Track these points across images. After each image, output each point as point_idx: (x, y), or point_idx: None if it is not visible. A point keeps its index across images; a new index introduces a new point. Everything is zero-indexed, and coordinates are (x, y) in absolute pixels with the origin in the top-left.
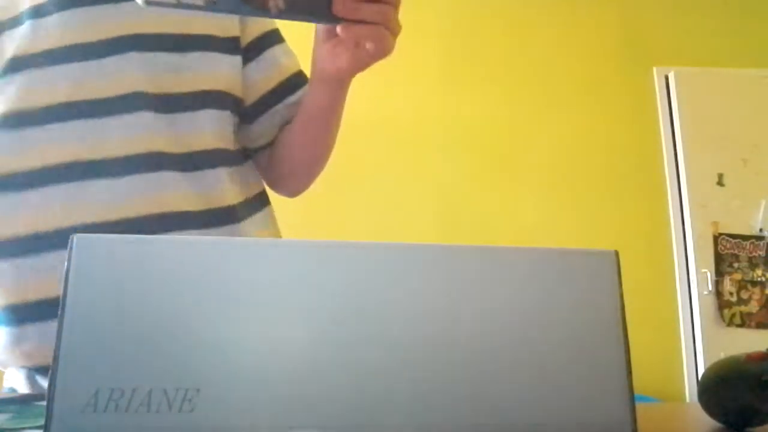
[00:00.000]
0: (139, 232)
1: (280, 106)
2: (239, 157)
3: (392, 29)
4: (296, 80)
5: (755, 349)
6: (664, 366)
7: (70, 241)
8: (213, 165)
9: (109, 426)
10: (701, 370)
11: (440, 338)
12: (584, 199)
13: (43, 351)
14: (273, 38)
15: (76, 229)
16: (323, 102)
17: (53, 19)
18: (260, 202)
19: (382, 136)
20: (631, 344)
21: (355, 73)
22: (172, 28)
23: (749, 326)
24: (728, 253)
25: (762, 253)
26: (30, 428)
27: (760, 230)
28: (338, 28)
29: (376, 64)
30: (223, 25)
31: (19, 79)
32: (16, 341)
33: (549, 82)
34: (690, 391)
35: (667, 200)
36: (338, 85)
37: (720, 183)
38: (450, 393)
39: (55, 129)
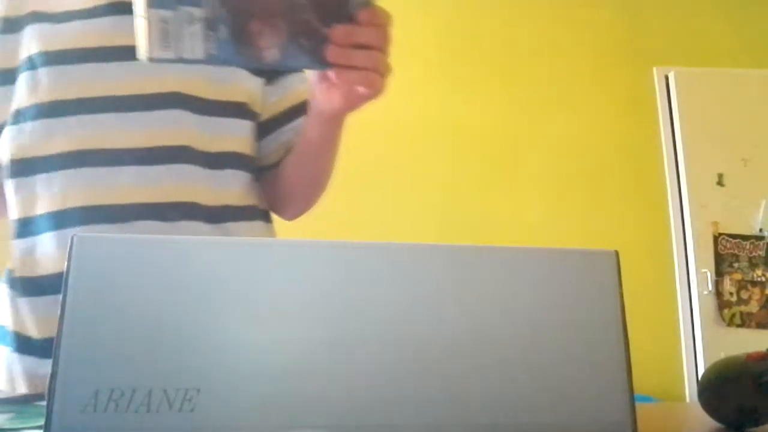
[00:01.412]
0: (156, 218)
1: (286, 128)
2: (256, 167)
3: (382, 73)
4: (306, 107)
5: (755, 349)
6: (664, 366)
7: (69, 241)
8: (235, 167)
9: (109, 426)
10: (701, 370)
11: (440, 338)
12: (584, 199)
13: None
14: None
15: (100, 208)
16: (318, 135)
17: (100, 22)
18: (268, 214)
19: (382, 135)
20: (631, 344)
21: (349, 112)
22: None
23: (749, 326)
24: (728, 253)
25: (762, 253)
26: (30, 428)
27: (760, 230)
28: (331, 73)
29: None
30: None
31: (61, 71)
32: (33, 308)
33: (549, 82)
34: (690, 391)
35: (667, 200)
36: (333, 122)
37: (720, 183)
38: (450, 392)
39: (94, 117)
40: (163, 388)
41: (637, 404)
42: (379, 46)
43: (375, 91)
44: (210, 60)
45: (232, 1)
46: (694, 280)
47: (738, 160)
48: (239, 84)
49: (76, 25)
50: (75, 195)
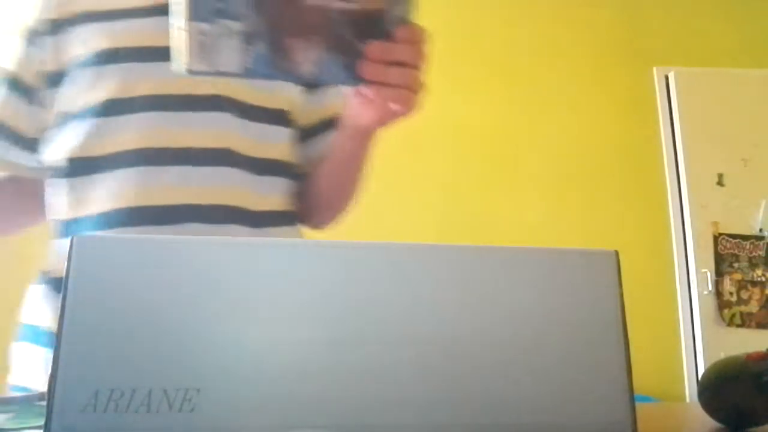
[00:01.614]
0: (202, 220)
1: (319, 139)
2: (296, 174)
3: (415, 90)
4: (339, 121)
5: (755, 349)
6: (664, 366)
7: (69, 241)
8: (277, 173)
9: (109, 426)
10: (701, 370)
11: (440, 338)
12: (584, 199)
13: None
14: None
15: (147, 209)
16: (348, 150)
17: (149, 22)
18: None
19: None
20: (631, 344)
21: (380, 128)
22: None
23: (749, 326)
24: (728, 253)
25: (762, 253)
26: (30, 428)
27: (760, 230)
28: (365, 89)
29: None
30: None
31: (113, 70)
32: None
33: (549, 81)
34: (690, 391)
35: (667, 200)
36: (364, 137)
37: (720, 183)
38: (450, 393)
39: (144, 117)
40: (163, 388)
41: (637, 404)
42: (413, 63)
43: (407, 108)
44: (246, 73)
45: (270, 16)
46: (694, 280)
47: (738, 160)
48: (281, 91)
49: (127, 24)
50: (124, 195)
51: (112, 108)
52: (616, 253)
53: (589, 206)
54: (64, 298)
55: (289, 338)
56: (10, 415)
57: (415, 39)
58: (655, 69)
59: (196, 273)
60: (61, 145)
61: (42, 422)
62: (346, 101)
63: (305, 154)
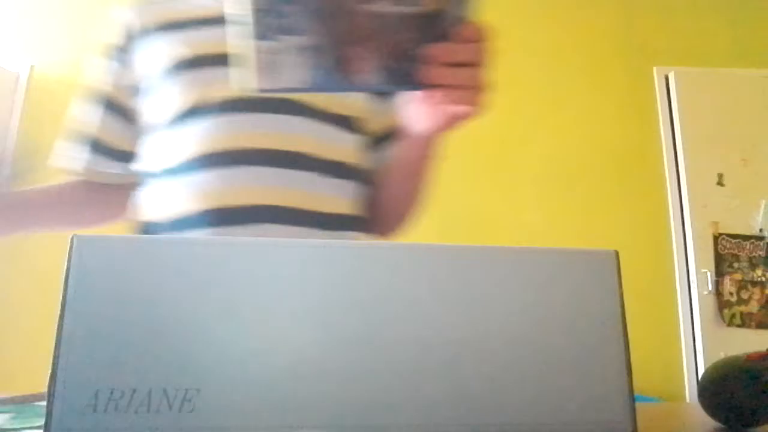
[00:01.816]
0: (277, 221)
1: (385, 146)
2: (365, 180)
3: (479, 90)
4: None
5: (755, 349)
6: (664, 366)
7: (69, 241)
8: (347, 177)
9: (109, 426)
10: (701, 370)
11: (440, 338)
12: (584, 199)
13: None
14: None
15: (224, 210)
16: (411, 156)
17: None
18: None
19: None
20: (631, 344)
21: (442, 132)
22: None
23: (749, 326)
24: (728, 253)
25: (762, 253)
26: (30, 428)
27: (760, 230)
28: (424, 94)
29: None
30: None
31: (196, 76)
32: None
33: (549, 81)
34: (690, 391)
35: (667, 200)
36: (424, 143)
37: (720, 183)
38: (449, 393)
39: (221, 121)
40: (163, 388)
41: (637, 404)
42: (475, 62)
43: (471, 110)
44: (310, 88)
45: (332, 29)
46: (694, 280)
47: (738, 160)
48: (349, 98)
49: (201, 33)
50: (203, 197)
51: (191, 114)
52: (616, 253)
53: (589, 206)
54: (64, 298)
55: (289, 338)
56: (10, 415)
57: (477, 37)
58: (655, 69)
59: (196, 273)
60: (146, 152)
61: (42, 422)
62: (406, 107)
63: (375, 161)
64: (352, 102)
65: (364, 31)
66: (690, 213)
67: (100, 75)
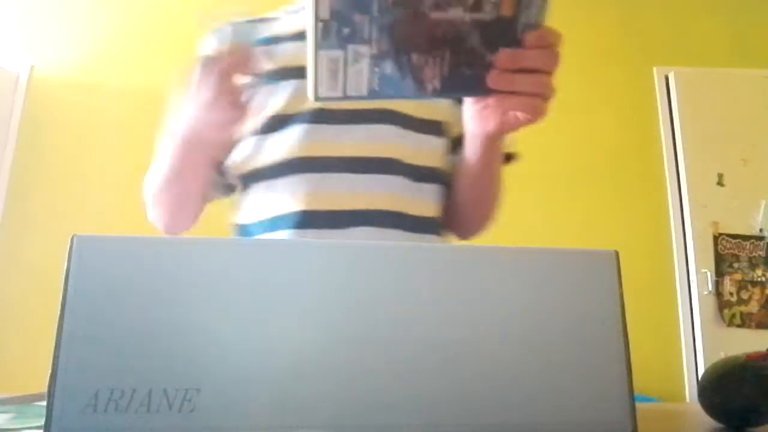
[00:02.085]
0: (369, 224)
1: (460, 149)
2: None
3: (546, 96)
4: None
5: (755, 349)
6: (664, 366)
7: (69, 241)
8: (434, 181)
9: (109, 426)
10: (701, 370)
11: (440, 338)
12: (584, 199)
13: None
14: None
15: (317, 214)
16: (475, 159)
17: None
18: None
19: None
20: (631, 344)
21: (504, 136)
22: None
23: (749, 326)
24: (728, 253)
25: (762, 253)
26: (30, 428)
27: (760, 230)
28: (491, 99)
29: None
30: None
31: (287, 86)
32: None
33: None
34: (690, 391)
35: (667, 200)
36: (486, 144)
37: (720, 183)
38: (450, 393)
39: (315, 128)
40: (163, 388)
41: (637, 404)
42: (545, 68)
43: (533, 116)
44: (372, 95)
45: (398, 36)
46: (694, 280)
47: (738, 160)
48: (439, 102)
49: (289, 46)
50: (297, 199)
51: (282, 122)
52: (616, 253)
53: (589, 206)
54: (64, 298)
55: (289, 338)
56: (10, 415)
57: (547, 43)
58: (655, 69)
59: (196, 273)
60: (239, 158)
61: (42, 422)
62: (466, 107)
63: (451, 164)
64: (440, 106)
65: (432, 37)
66: (690, 213)
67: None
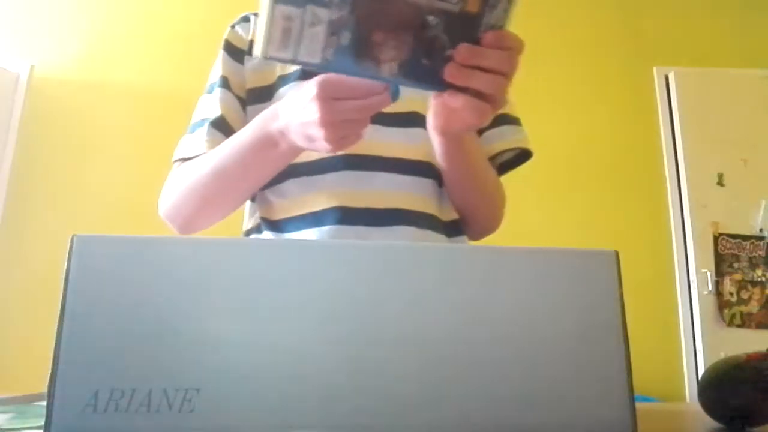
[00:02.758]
0: (409, 223)
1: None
2: None
3: (495, 102)
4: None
5: (755, 349)
6: (664, 366)
7: (69, 241)
8: None
9: (109, 426)
10: (701, 370)
11: (440, 338)
12: (584, 199)
13: None
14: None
15: (359, 211)
16: (438, 154)
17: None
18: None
19: None
20: (631, 344)
21: (450, 134)
22: None
23: (749, 326)
24: (728, 253)
25: (762, 253)
26: (30, 428)
27: (760, 230)
28: (444, 95)
29: None
30: None
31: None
32: None
33: (549, 81)
34: (690, 391)
35: (667, 200)
36: (442, 141)
37: (720, 183)
38: (450, 392)
39: None
40: (163, 388)
41: (637, 404)
42: (501, 70)
43: (477, 122)
44: (324, 66)
45: (363, 7)
46: (694, 280)
47: (738, 160)
48: None
49: None
50: (337, 196)
51: None
52: (616, 253)
53: (589, 206)
54: (64, 298)
55: (289, 338)
56: (10, 415)
57: (506, 45)
58: (655, 69)
59: (196, 273)
60: None
61: (42, 422)
62: (429, 106)
63: None
64: None
65: (396, 18)
66: (690, 213)
67: (221, 66)
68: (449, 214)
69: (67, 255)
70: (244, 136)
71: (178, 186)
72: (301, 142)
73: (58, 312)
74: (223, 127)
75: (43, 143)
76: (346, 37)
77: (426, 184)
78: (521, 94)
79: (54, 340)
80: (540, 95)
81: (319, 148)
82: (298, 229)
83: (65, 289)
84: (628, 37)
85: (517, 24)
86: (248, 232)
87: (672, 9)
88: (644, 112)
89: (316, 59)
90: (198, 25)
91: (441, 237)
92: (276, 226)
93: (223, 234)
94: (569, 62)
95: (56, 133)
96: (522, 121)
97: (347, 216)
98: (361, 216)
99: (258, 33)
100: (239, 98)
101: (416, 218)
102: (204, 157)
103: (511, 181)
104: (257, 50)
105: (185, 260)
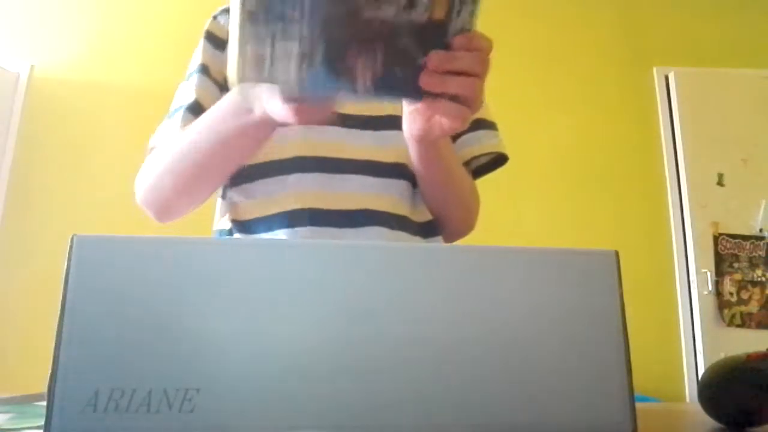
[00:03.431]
0: (379, 223)
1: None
2: None
3: (472, 103)
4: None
5: (755, 349)
6: (664, 366)
7: (69, 241)
8: None
9: (109, 426)
10: (701, 370)
11: (440, 338)
12: (584, 199)
13: None
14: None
15: (330, 213)
16: (413, 159)
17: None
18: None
19: None
20: (631, 344)
21: (428, 141)
22: None
23: (749, 326)
24: (728, 253)
25: (762, 253)
26: (30, 428)
27: (760, 230)
28: (421, 103)
29: None
30: None
31: None
32: None
33: (549, 81)
34: (690, 391)
35: (667, 200)
36: (418, 147)
37: (720, 183)
38: (450, 393)
39: (326, 128)
40: (163, 388)
41: (637, 404)
42: (473, 71)
43: (455, 126)
44: (300, 85)
45: (331, 29)
46: (694, 280)
47: (738, 160)
48: None
49: None
50: (307, 197)
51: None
52: (616, 253)
53: (589, 206)
54: (64, 298)
55: (289, 338)
56: (10, 415)
57: (476, 46)
58: (655, 69)
59: (196, 273)
60: None
61: (42, 422)
62: (404, 114)
63: None
64: None
65: (364, 35)
66: (690, 213)
67: (200, 54)
68: (424, 215)
69: (67, 255)
70: (217, 106)
71: (152, 169)
72: (271, 107)
73: (58, 312)
74: (198, 111)
75: (43, 143)
76: (318, 55)
77: (398, 185)
78: (521, 95)
79: (54, 340)
80: (540, 95)
81: (286, 115)
82: (270, 229)
83: (65, 289)
84: (628, 37)
85: (516, 25)
86: (219, 234)
87: (672, 9)
88: (644, 113)
89: (291, 78)
90: (198, 25)
91: (415, 238)
92: (246, 227)
93: (204, 231)
94: (569, 63)
95: (56, 133)
96: (522, 121)
97: (318, 217)
98: (332, 217)
99: (230, 57)
100: (218, 84)
101: (388, 219)
102: (178, 136)
103: (511, 181)
104: (231, 74)
105: (185, 260)
